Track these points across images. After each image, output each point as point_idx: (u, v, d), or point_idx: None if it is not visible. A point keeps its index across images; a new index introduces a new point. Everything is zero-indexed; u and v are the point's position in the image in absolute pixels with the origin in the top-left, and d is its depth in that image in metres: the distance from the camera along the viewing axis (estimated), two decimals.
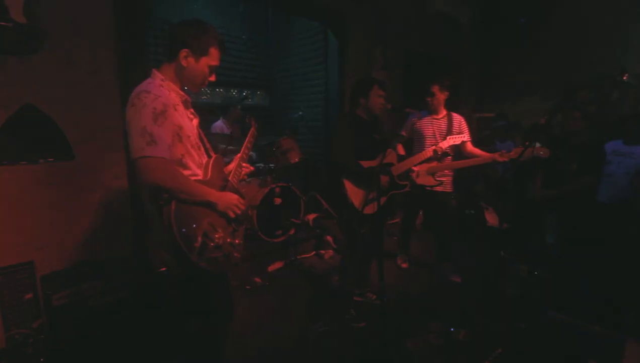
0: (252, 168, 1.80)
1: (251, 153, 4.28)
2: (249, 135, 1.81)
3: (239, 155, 1.71)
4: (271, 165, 3.73)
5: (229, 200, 1.48)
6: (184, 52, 1.42)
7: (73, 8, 2.23)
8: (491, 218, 4.10)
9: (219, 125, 4.22)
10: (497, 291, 2.36)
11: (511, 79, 6.00)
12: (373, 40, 4.40)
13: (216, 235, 1.42)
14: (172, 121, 1.37)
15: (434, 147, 2.56)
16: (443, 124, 3.04)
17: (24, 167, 2.12)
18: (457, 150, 3.01)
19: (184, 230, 1.32)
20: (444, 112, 3.08)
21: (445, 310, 2.64)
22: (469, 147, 2.95)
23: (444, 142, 2.62)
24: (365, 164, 2.34)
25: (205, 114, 4.87)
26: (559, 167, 3.35)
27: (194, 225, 1.36)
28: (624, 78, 4.91)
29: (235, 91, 5.39)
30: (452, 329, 2.31)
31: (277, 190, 3.47)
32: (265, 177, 3.58)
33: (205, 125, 4.54)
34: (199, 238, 1.35)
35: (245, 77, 5.42)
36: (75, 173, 2.30)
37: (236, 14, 5.00)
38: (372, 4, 4.29)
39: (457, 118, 3.07)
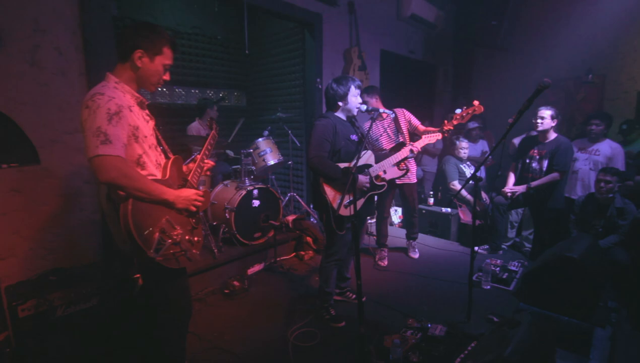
0: (212, 163, 1.84)
1: (228, 151, 4.24)
2: (209, 137, 1.87)
3: (199, 155, 1.76)
4: (249, 166, 3.70)
5: (187, 196, 1.54)
6: (138, 53, 1.47)
7: (36, 7, 2.14)
8: (465, 216, 4.20)
9: (195, 126, 4.15)
10: (472, 286, 2.42)
11: (485, 79, 6.19)
12: (350, 41, 4.44)
13: (174, 233, 1.48)
14: (128, 122, 1.41)
15: (410, 147, 2.58)
16: (388, 119, 3.33)
17: None
18: (413, 135, 3.28)
19: (140, 227, 1.38)
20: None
21: (422, 307, 2.69)
22: (421, 128, 3.23)
23: (420, 141, 2.65)
24: (343, 166, 2.35)
25: (181, 115, 4.81)
26: (530, 164, 3.48)
27: (151, 222, 1.42)
28: (589, 78, 5.16)
29: (212, 92, 5.31)
30: (429, 325, 2.36)
31: (255, 192, 3.44)
32: (243, 179, 3.54)
33: (181, 127, 4.49)
34: (156, 235, 1.41)
35: (221, 78, 5.35)
36: (41, 178, 2.21)
37: (211, 15, 4.93)
38: (348, 5, 4.32)
39: (399, 111, 3.31)
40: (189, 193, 1.55)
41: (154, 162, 1.55)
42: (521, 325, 1.70)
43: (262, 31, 5.05)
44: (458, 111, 2.57)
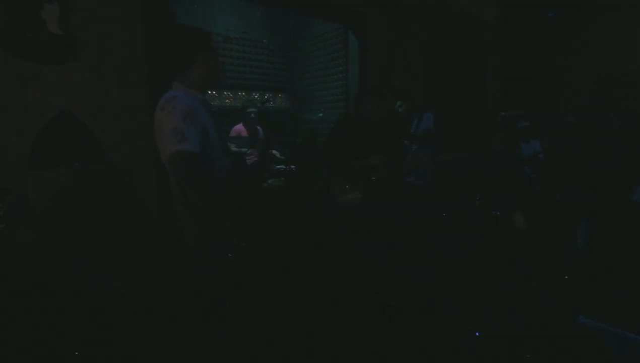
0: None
1: (274, 152, 4.33)
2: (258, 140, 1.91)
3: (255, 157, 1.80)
4: (292, 166, 3.76)
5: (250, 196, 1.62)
6: (198, 57, 1.57)
7: (105, 20, 2.34)
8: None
9: (239, 128, 4.27)
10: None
11: (540, 77, 5.80)
12: (394, 40, 4.37)
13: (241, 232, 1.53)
14: (199, 122, 1.48)
15: None
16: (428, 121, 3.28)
17: (60, 170, 2.22)
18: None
19: (218, 229, 1.46)
20: None
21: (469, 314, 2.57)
22: None
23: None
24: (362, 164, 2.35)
25: (228, 117, 5.00)
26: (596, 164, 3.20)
27: (227, 224, 1.50)
28: None
29: (257, 94, 5.46)
30: (477, 333, 2.25)
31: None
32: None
33: (226, 128, 4.65)
34: (232, 236, 1.49)
35: (267, 81, 5.49)
36: (107, 176, 2.40)
37: (258, 19, 5.08)
38: (394, 3, 4.25)
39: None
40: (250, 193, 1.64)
41: (216, 163, 1.60)
42: (584, 341, 1.56)
43: (306, 33, 5.12)
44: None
